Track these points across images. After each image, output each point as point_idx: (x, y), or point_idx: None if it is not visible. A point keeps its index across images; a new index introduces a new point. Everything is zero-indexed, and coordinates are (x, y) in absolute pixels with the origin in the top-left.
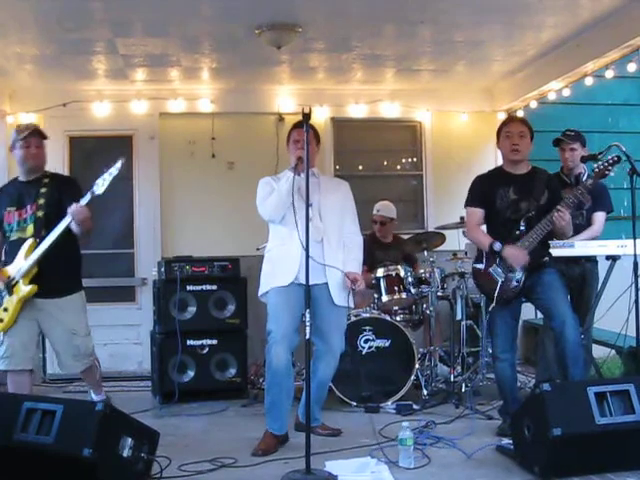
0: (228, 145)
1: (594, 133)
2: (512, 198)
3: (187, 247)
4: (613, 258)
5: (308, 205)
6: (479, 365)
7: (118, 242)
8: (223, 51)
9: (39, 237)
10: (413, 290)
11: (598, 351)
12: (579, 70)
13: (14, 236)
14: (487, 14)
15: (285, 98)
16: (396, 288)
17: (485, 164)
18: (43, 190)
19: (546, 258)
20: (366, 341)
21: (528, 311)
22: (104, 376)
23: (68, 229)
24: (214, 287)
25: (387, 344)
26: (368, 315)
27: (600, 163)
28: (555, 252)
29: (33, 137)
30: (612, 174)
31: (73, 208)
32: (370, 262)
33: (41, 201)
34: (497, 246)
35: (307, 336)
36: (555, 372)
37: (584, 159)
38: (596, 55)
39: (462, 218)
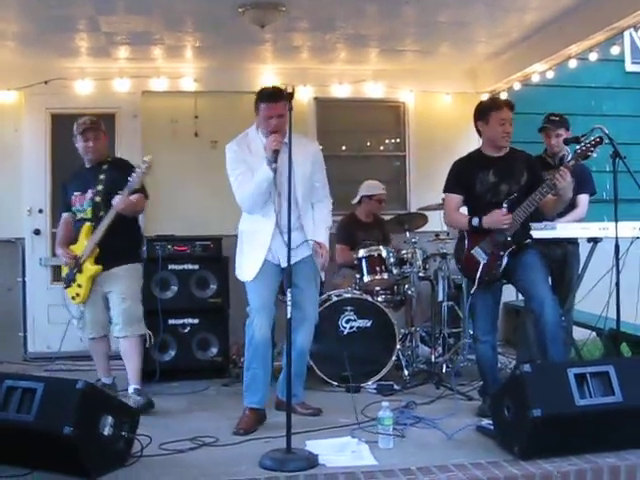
0: (211, 124)
1: (577, 116)
2: (492, 181)
3: (170, 226)
4: (594, 240)
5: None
6: (460, 346)
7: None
8: (206, 30)
9: (96, 220)
10: (395, 271)
11: (579, 333)
12: (562, 52)
13: (79, 217)
14: None
15: (268, 77)
16: (378, 268)
17: (468, 145)
18: (101, 176)
19: (528, 240)
20: (347, 321)
21: (509, 293)
22: (87, 355)
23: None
24: (196, 266)
25: (368, 324)
26: (350, 295)
27: (582, 144)
28: (537, 234)
29: (90, 131)
30: (594, 155)
31: (115, 201)
32: (351, 242)
33: (99, 187)
34: (475, 220)
35: (289, 315)
36: (535, 353)
37: (567, 141)
38: (579, 38)
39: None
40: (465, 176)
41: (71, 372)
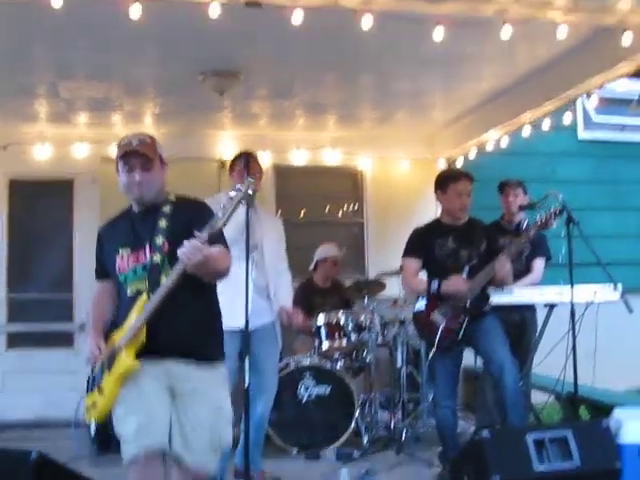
0: (170, 190)
1: (532, 182)
2: (451, 247)
3: None
4: (551, 305)
5: (248, 261)
6: (420, 411)
7: (57, 286)
8: (166, 96)
9: (154, 290)
10: (353, 337)
11: (537, 397)
12: (517, 120)
13: (130, 289)
14: (427, 64)
15: (227, 144)
16: (336, 335)
17: (426, 211)
18: (162, 224)
19: (487, 306)
20: (306, 388)
21: (467, 357)
22: (39, 424)
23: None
24: None
25: (327, 391)
26: (308, 362)
27: (544, 215)
28: (494, 299)
29: (135, 157)
30: (554, 226)
31: (184, 251)
32: (308, 308)
33: (159, 240)
34: (434, 284)
35: (246, 384)
36: (495, 418)
37: (523, 207)
38: (533, 106)
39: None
40: (424, 242)
41: (25, 442)
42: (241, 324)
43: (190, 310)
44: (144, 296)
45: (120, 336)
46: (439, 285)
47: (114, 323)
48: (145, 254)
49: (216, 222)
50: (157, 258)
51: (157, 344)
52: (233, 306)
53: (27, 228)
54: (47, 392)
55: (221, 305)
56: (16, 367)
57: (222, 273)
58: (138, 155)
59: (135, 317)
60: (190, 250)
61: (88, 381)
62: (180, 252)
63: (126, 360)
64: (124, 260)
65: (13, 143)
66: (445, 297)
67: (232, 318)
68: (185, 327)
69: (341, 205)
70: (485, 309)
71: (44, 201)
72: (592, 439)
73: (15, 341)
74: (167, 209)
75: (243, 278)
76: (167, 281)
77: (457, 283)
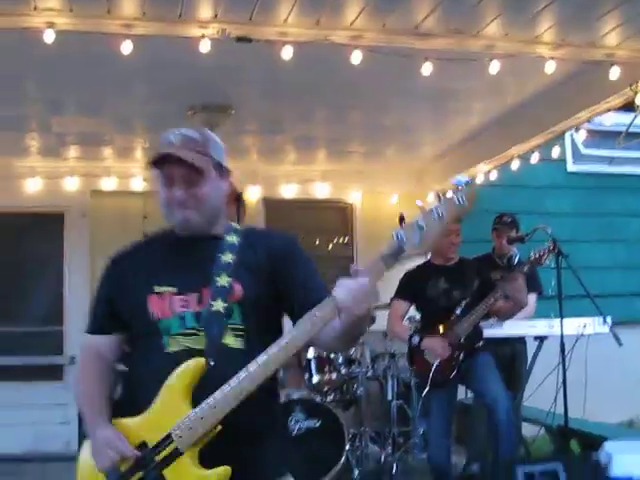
0: (160, 224)
1: (521, 214)
2: (443, 287)
3: None
4: (541, 338)
5: None
6: (410, 445)
7: (46, 319)
8: (155, 131)
9: (213, 356)
10: (343, 370)
11: (528, 429)
12: (506, 154)
13: (170, 344)
14: (416, 100)
15: None
16: (326, 368)
17: None
18: (227, 258)
19: (480, 342)
20: (296, 422)
21: (459, 391)
22: (27, 458)
23: None
24: None
25: (317, 425)
26: (298, 395)
27: (537, 251)
28: (486, 333)
29: (173, 167)
30: (547, 262)
31: (347, 293)
32: None
33: (222, 280)
34: (415, 340)
35: None
36: (486, 451)
37: (511, 241)
38: (521, 140)
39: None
40: (415, 283)
41: (14, 476)
42: None
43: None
44: (196, 362)
45: (149, 424)
46: (420, 341)
47: (130, 398)
48: (202, 298)
49: (433, 232)
50: (219, 306)
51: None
52: None
53: (17, 261)
54: (37, 425)
55: None
56: (5, 401)
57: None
58: (179, 162)
59: (184, 395)
60: (359, 293)
61: None
62: (341, 292)
63: (199, 473)
64: (166, 302)
65: (3, 175)
66: (437, 333)
67: None
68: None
69: (331, 238)
70: (478, 345)
71: (35, 234)
72: (583, 472)
73: (3, 374)
74: (233, 239)
75: None
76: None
77: (438, 346)
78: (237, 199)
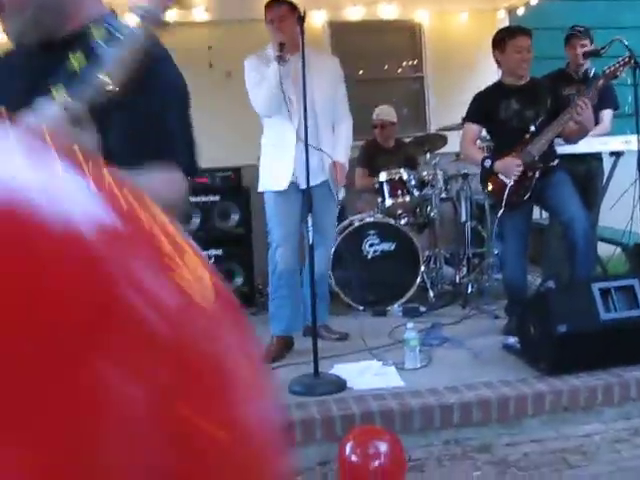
0: (225, 54)
1: (596, 29)
2: (515, 108)
3: None
4: (617, 154)
5: (306, 111)
6: (485, 266)
7: None
8: None
9: None
10: (416, 193)
11: (603, 249)
12: None
13: None
14: None
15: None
16: (399, 192)
17: (486, 64)
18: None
19: (555, 161)
20: (371, 245)
21: (534, 212)
22: None
23: None
24: (217, 198)
25: (392, 247)
26: (372, 219)
27: (612, 64)
28: (559, 149)
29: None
30: (623, 75)
31: None
32: (371, 167)
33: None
34: (487, 162)
35: (310, 241)
36: (561, 271)
37: (586, 55)
38: None
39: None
40: (487, 104)
41: None
42: (286, 183)
43: None
44: None
45: None
46: (492, 163)
47: None
48: None
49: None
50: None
51: None
52: (279, 168)
53: None
54: None
55: (266, 168)
56: None
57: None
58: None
59: None
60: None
61: None
62: None
63: None
64: None
65: None
66: (510, 153)
67: (278, 179)
68: None
69: (400, 61)
70: (553, 164)
71: None
72: None
73: None
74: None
75: (288, 137)
76: None
77: (511, 165)
78: (299, 20)
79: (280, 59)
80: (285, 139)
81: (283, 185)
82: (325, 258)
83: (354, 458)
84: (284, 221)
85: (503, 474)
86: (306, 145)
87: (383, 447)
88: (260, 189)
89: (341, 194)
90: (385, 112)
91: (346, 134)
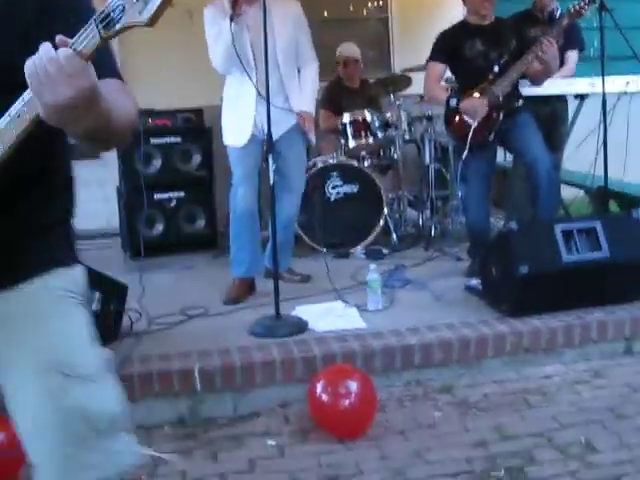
0: None
1: None
2: (479, 49)
3: (150, 102)
4: (582, 97)
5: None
6: (448, 208)
7: None
8: None
9: None
10: (380, 134)
11: (566, 192)
12: None
13: None
14: None
15: None
16: (363, 133)
17: (452, 4)
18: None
19: (520, 102)
20: (334, 187)
21: (498, 155)
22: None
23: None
24: (178, 139)
25: (355, 190)
26: (335, 161)
27: (576, 3)
28: (524, 91)
29: None
30: (588, 14)
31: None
32: (335, 108)
33: None
34: (453, 101)
35: (271, 181)
36: (524, 214)
37: None
38: None
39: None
40: (452, 43)
41: None
42: (246, 138)
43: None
44: None
45: None
46: (457, 102)
47: None
48: None
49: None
50: None
51: None
52: (239, 123)
53: None
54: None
55: (227, 122)
56: None
57: (119, 137)
58: None
59: None
60: (52, 66)
61: None
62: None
63: None
64: None
65: None
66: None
67: (238, 135)
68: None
69: (365, 1)
70: (518, 105)
71: None
72: (621, 230)
73: None
74: None
75: (248, 92)
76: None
77: (476, 104)
78: None
79: (233, 15)
80: (245, 94)
81: (242, 141)
82: (292, 205)
83: (325, 397)
84: (245, 162)
85: (464, 415)
86: (267, 103)
87: (354, 386)
88: (224, 142)
89: (313, 138)
90: (348, 49)
91: (311, 78)
